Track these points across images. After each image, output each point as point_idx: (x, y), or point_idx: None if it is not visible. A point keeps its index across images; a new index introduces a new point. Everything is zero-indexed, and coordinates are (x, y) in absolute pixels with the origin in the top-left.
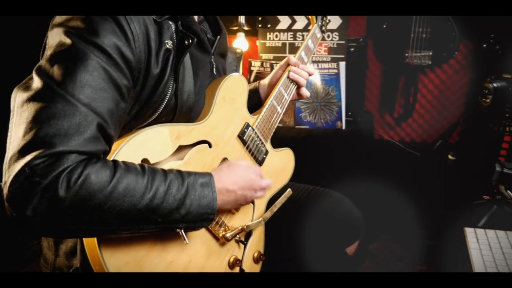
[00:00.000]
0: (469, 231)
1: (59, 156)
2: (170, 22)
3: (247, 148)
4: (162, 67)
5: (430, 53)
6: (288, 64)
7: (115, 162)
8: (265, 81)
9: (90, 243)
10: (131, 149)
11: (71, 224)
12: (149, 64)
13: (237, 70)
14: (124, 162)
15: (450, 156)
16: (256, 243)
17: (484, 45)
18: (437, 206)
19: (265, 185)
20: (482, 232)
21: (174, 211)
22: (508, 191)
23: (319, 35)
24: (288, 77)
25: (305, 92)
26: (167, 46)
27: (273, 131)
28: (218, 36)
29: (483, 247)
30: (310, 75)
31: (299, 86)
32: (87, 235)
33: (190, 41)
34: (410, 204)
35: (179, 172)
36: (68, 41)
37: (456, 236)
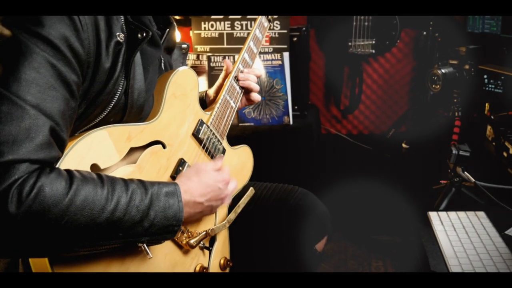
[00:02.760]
0: (432, 215)
1: (8, 166)
2: None
3: (203, 147)
4: (113, 62)
5: (373, 42)
6: (227, 71)
7: (69, 171)
8: (211, 91)
9: (40, 263)
10: (78, 154)
11: (22, 242)
12: (99, 58)
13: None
14: (79, 172)
15: (404, 145)
16: (221, 248)
17: (424, 33)
18: (396, 197)
19: (232, 192)
20: (444, 214)
21: (137, 224)
22: (466, 173)
23: (266, 24)
24: (231, 85)
25: (256, 96)
26: (118, 39)
27: (229, 127)
28: (168, 29)
29: (448, 228)
30: (258, 77)
31: (248, 92)
32: (40, 255)
33: (144, 34)
34: (366, 198)
35: (141, 181)
36: (6, 32)
37: (419, 221)
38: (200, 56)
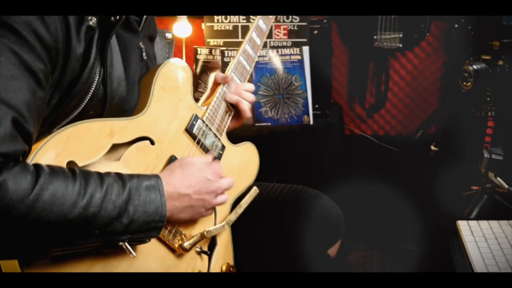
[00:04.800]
0: (462, 224)
1: None
2: None
3: (198, 143)
4: (86, 48)
5: (401, 35)
6: (217, 83)
7: (37, 165)
8: (198, 104)
9: (9, 264)
10: (53, 150)
11: None
12: (69, 43)
13: (169, 58)
14: (48, 166)
15: (432, 147)
16: (223, 253)
17: (456, 25)
18: (423, 203)
19: (226, 186)
20: (475, 223)
21: (115, 220)
22: (499, 178)
23: (263, 26)
24: (224, 99)
25: (246, 113)
26: (90, 23)
27: (228, 123)
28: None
29: (478, 239)
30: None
31: (238, 109)
32: (9, 256)
33: (118, 17)
34: (391, 204)
35: (119, 175)
36: None
37: (449, 231)
38: (213, 50)
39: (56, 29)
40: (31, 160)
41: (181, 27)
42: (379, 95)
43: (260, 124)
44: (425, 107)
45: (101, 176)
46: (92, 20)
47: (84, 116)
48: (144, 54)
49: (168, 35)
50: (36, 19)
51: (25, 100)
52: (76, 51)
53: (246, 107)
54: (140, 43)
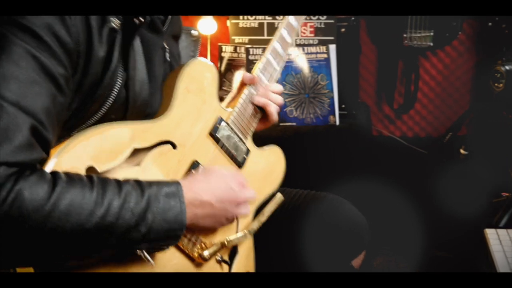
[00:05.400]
0: (490, 232)
1: None
2: None
3: (222, 147)
4: (108, 51)
5: (431, 33)
6: (243, 84)
7: (54, 173)
8: (223, 104)
9: None
10: (72, 155)
11: (2, 253)
12: (90, 46)
13: (195, 56)
14: (66, 173)
15: (462, 151)
16: (245, 262)
17: (490, 24)
18: (450, 208)
19: (250, 197)
20: (504, 232)
21: (133, 229)
22: None
23: (294, 23)
24: (251, 102)
25: (274, 116)
26: (113, 25)
27: (254, 125)
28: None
29: (507, 248)
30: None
31: (266, 112)
32: (25, 265)
33: (142, 19)
34: (418, 209)
35: (137, 182)
36: None
37: (476, 239)
38: (238, 48)
39: (77, 31)
40: (49, 164)
41: (206, 24)
42: (409, 95)
43: (284, 124)
44: (456, 108)
45: (119, 184)
46: (115, 22)
47: (105, 119)
48: (167, 55)
49: (194, 33)
50: (57, 22)
51: (44, 106)
52: (97, 54)
53: (273, 110)
54: (164, 43)
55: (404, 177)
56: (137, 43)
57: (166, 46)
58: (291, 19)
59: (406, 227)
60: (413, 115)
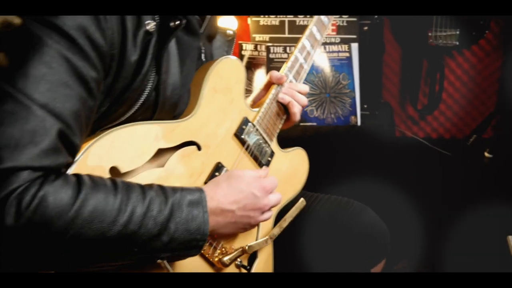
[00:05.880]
0: None
1: (7, 174)
2: None
3: (246, 149)
4: (141, 55)
5: (457, 32)
6: (271, 83)
7: (79, 178)
8: (248, 102)
9: None
10: (96, 155)
11: (22, 258)
12: (124, 49)
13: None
14: (90, 177)
15: (486, 154)
16: (263, 267)
17: None
18: (473, 213)
19: (274, 203)
20: None
21: (155, 238)
22: None
23: (325, 19)
24: (277, 100)
25: (296, 116)
26: (148, 28)
27: (280, 127)
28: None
29: None
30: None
31: (288, 111)
32: (45, 269)
33: (178, 22)
34: (441, 213)
35: (161, 188)
36: (17, 20)
37: (499, 246)
38: (258, 46)
39: (112, 34)
40: (73, 164)
41: (227, 22)
42: (433, 96)
43: (305, 124)
44: (482, 109)
45: (144, 190)
46: (150, 25)
47: (131, 120)
48: (203, 55)
49: (229, 32)
50: (91, 24)
51: (73, 110)
52: (130, 57)
53: (297, 111)
54: (200, 44)
55: (427, 179)
56: (173, 46)
57: (202, 47)
58: (322, 16)
59: (428, 232)
60: (438, 116)
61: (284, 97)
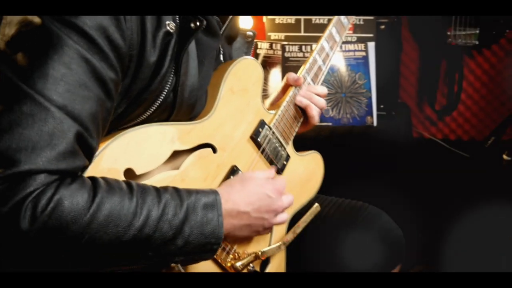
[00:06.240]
0: None
1: (23, 177)
2: None
3: (262, 152)
4: (160, 56)
5: (477, 31)
6: (288, 85)
7: (94, 181)
8: (266, 104)
9: None
10: (111, 156)
11: (37, 261)
12: (143, 51)
13: None
14: (105, 180)
15: (505, 156)
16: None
17: None
18: (492, 216)
19: (287, 205)
20: None
21: (169, 241)
22: None
23: (345, 20)
24: (294, 103)
25: (315, 120)
26: (168, 28)
27: (296, 130)
28: (231, 16)
29: None
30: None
31: (306, 114)
32: (59, 270)
33: (198, 23)
34: (459, 216)
35: (177, 190)
36: (36, 19)
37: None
38: (274, 44)
39: (132, 35)
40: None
41: (242, 20)
42: (452, 96)
43: (320, 124)
44: (503, 111)
45: (159, 193)
46: (170, 25)
47: (147, 121)
48: (221, 56)
49: (250, 34)
50: (111, 24)
51: (91, 112)
52: (149, 59)
53: (315, 113)
54: (220, 45)
55: (444, 182)
56: (192, 47)
57: (221, 48)
58: (342, 16)
59: (446, 236)
60: (456, 117)
61: (302, 100)
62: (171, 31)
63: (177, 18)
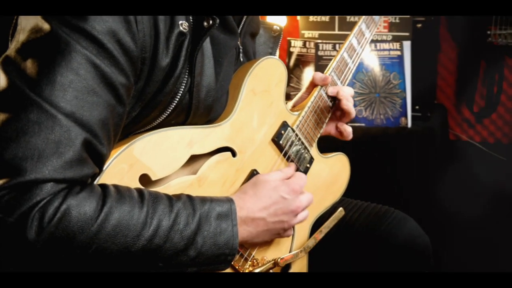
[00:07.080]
0: None
1: (29, 187)
2: None
3: (284, 155)
4: (174, 57)
5: None
6: (314, 84)
7: (104, 189)
8: (289, 105)
9: None
10: (126, 162)
11: (42, 270)
12: (156, 53)
13: (273, 54)
14: (116, 188)
15: None
16: None
17: None
18: None
19: (306, 204)
20: None
21: (181, 252)
22: None
23: (376, 17)
24: (319, 103)
25: (352, 112)
26: (181, 28)
27: (321, 132)
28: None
29: None
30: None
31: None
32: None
33: (211, 22)
34: (496, 222)
35: (190, 199)
36: (46, 26)
37: None
38: (307, 43)
39: (144, 37)
40: (102, 173)
41: (276, 17)
42: (491, 98)
43: (353, 124)
44: None
45: (171, 201)
46: (184, 25)
47: (164, 125)
48: (241, 55)
49: (276, 28)
50: (121, 28)
51: (101, 118)
52: (162, 60)
53: (350, 105)
54: (238, 43)
55: (482, 186)
56: (207, 46)
57: (240, 46)
58: None
59: (481, 242)
60: (495, 120)
61: (333, 91)
62: (185, 31)
63: (191, 17)
